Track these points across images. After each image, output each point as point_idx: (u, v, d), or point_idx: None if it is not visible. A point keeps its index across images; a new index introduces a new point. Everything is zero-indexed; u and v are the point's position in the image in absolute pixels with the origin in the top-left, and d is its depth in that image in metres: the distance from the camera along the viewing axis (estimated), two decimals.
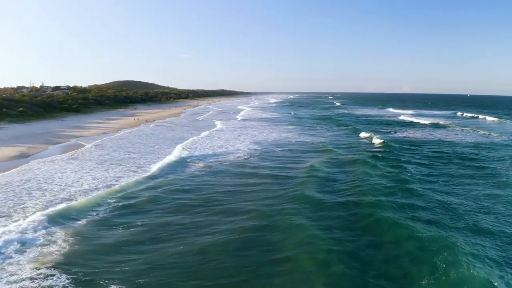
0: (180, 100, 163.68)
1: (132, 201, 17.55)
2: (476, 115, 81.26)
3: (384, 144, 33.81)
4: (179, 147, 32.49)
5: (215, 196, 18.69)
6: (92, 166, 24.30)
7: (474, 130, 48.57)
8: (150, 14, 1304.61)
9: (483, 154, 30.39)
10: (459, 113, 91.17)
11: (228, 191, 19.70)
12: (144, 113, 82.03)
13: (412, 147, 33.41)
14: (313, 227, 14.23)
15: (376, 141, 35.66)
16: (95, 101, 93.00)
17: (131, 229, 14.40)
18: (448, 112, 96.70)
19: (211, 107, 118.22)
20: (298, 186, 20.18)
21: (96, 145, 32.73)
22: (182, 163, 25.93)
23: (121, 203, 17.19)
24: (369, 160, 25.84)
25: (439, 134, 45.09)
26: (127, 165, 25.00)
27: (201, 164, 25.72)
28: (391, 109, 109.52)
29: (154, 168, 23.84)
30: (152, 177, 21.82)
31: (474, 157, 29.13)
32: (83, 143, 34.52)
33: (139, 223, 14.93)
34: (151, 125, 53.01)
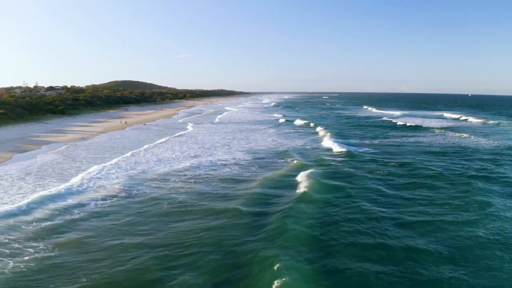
0: (176, 100, 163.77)
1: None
2: (463, 117, 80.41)
3: (347, 154, 33.10)
4: (128, 154, 32.40)
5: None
6: (24, 183, 22.33)
7: (443, 133, 48.08)
8: (150, 15, 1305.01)
9: (459, 166, 28.15)
10: (445, 114, 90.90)
11: (113, 233, 15.56)
12: (135, 114, 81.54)
13: (378, 157, 31.96)
14: None
15: (341, 149, 35.06)
16: (85, 102, 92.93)
17: None
18: (437, 113, 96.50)
19: (205, 108, 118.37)
20: (217, 231, 15.64)
21: (60, 153, 32.93)
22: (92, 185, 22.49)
23: None
24: (320, 180, 23.20)
25: (419, 138, 44.49)
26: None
27: (118, 187, 21.97)
28: (379, 110, 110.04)
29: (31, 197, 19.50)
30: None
31: (445, 172, 25.66)
32: (51, 151, 34.45)
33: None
34: (132, 129, 52.93)
